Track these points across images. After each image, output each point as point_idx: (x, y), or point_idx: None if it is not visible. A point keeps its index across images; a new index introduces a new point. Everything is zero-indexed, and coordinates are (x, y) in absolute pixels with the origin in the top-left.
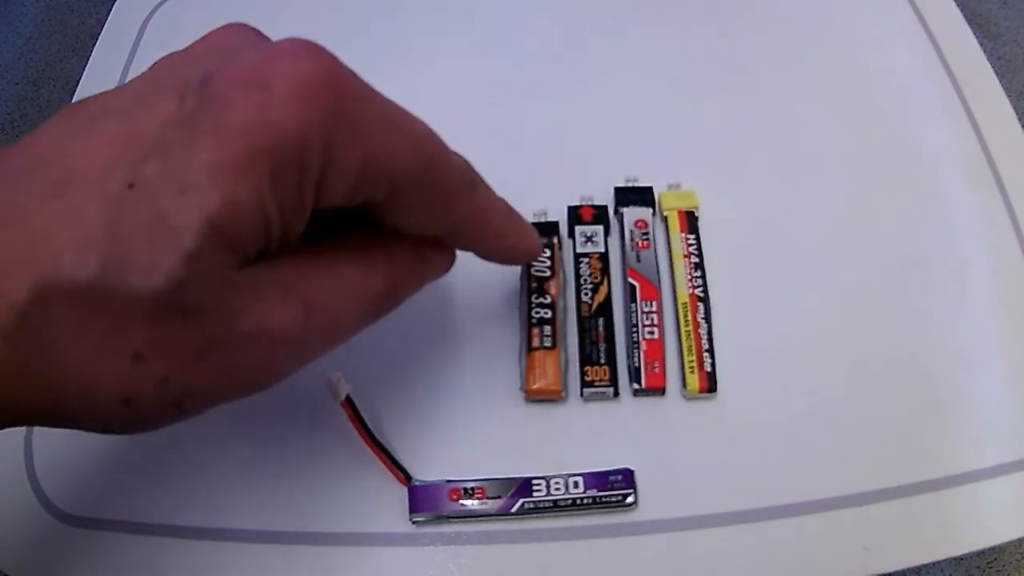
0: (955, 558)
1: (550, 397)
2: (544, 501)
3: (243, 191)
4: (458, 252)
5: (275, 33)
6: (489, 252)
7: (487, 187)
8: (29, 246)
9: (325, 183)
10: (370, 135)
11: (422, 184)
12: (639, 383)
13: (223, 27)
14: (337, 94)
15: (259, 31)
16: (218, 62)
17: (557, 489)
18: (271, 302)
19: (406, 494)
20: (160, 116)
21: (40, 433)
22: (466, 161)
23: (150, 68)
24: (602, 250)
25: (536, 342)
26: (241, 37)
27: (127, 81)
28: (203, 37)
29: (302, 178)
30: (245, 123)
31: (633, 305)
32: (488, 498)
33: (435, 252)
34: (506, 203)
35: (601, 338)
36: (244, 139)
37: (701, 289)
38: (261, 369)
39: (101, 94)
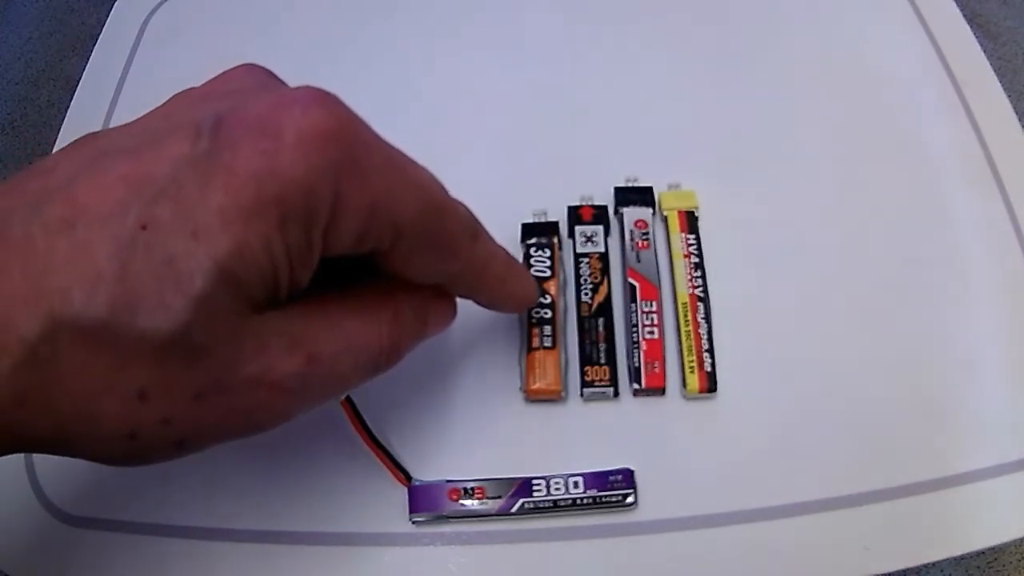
0: (955, 558)
1: (550, 397)
2: (544, 501)
3: (253, 237)
4: None
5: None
6: (489, 299)
7: (488, 235)
8: (39, 279)
9: (333, 231)
10: (377, 184)
11: (426, 232)
12: (639, 383)
13: (239, 67)
14: (346, 143)
15: (273, 73)
16: (231, 104)
17: (557, 489)
18: (276, 352)
19: (406, 494)
20: (173, 156)
21: None
22: (468, 209)
23: (165, 103)
24: (602, 250)
25: (536, 342)
26: (255, 79)
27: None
28: (219, 76)
29: (310, 226)
30: (255, 170)
31: (633, 305)
32: (488, 498)
33: (438, 304)
34: (506, 251)
35: (601, 338)
36: (254, 186)
37: (701, 289)
38: (260, 414)
39: (115, 128)
